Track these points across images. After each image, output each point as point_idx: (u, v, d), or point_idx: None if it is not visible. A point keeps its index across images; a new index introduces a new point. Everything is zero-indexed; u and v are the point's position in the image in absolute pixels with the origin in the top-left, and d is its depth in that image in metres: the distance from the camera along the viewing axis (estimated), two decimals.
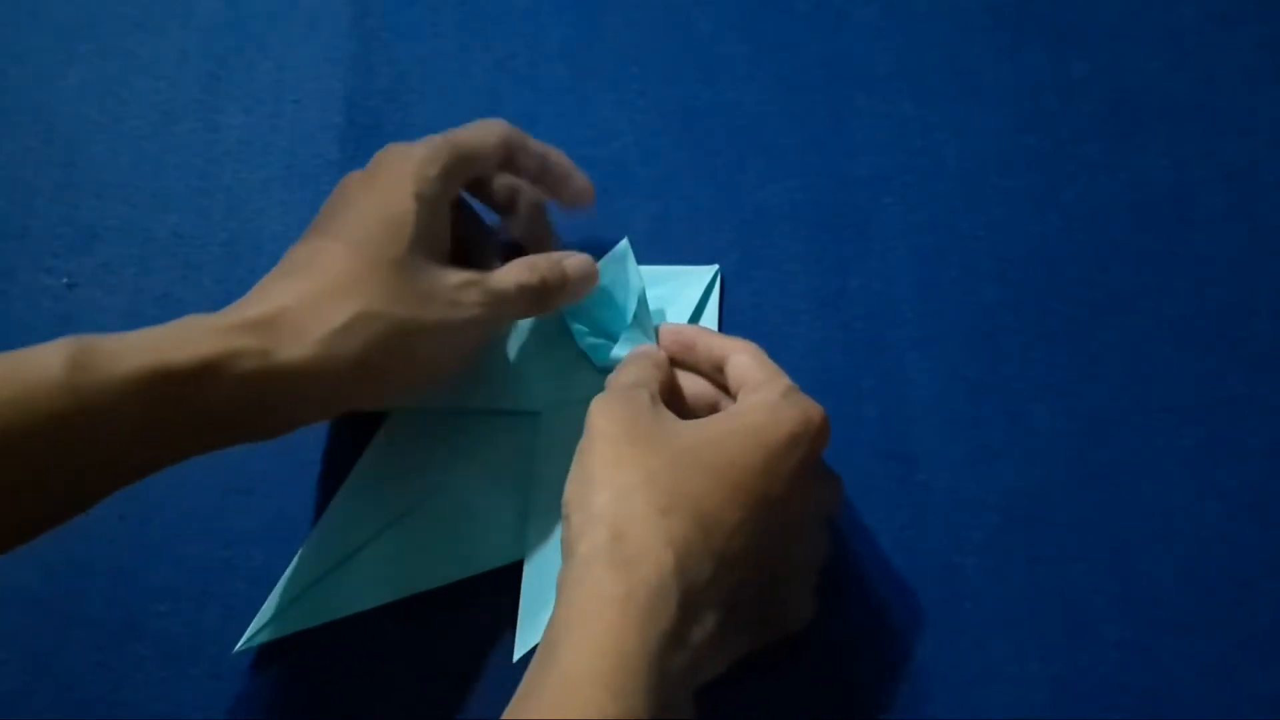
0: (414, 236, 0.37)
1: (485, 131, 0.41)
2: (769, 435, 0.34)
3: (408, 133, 0.49)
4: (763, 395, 0.36)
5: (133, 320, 0.45)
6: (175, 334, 0.33)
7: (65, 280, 0.46)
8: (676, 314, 0.45)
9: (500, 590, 0.40)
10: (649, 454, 0.34)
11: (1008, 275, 0.46)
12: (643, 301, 0.42)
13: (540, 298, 0.40)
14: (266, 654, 0.40)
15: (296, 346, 0.34)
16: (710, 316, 0.45)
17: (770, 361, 0.38)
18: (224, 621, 0.40)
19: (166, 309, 0.46)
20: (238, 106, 0.50)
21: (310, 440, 0.43)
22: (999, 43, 0.50)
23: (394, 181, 0.38)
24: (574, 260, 0.41)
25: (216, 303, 0.45)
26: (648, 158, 0.49)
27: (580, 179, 0.43)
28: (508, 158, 0.42)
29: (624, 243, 0.43)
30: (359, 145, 0.49)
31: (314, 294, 0.35)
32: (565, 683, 0.30)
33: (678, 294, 0.45)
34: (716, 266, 0.46)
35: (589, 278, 0.42)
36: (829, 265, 0.46)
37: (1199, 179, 0.48)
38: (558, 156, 0.43)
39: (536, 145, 0.42)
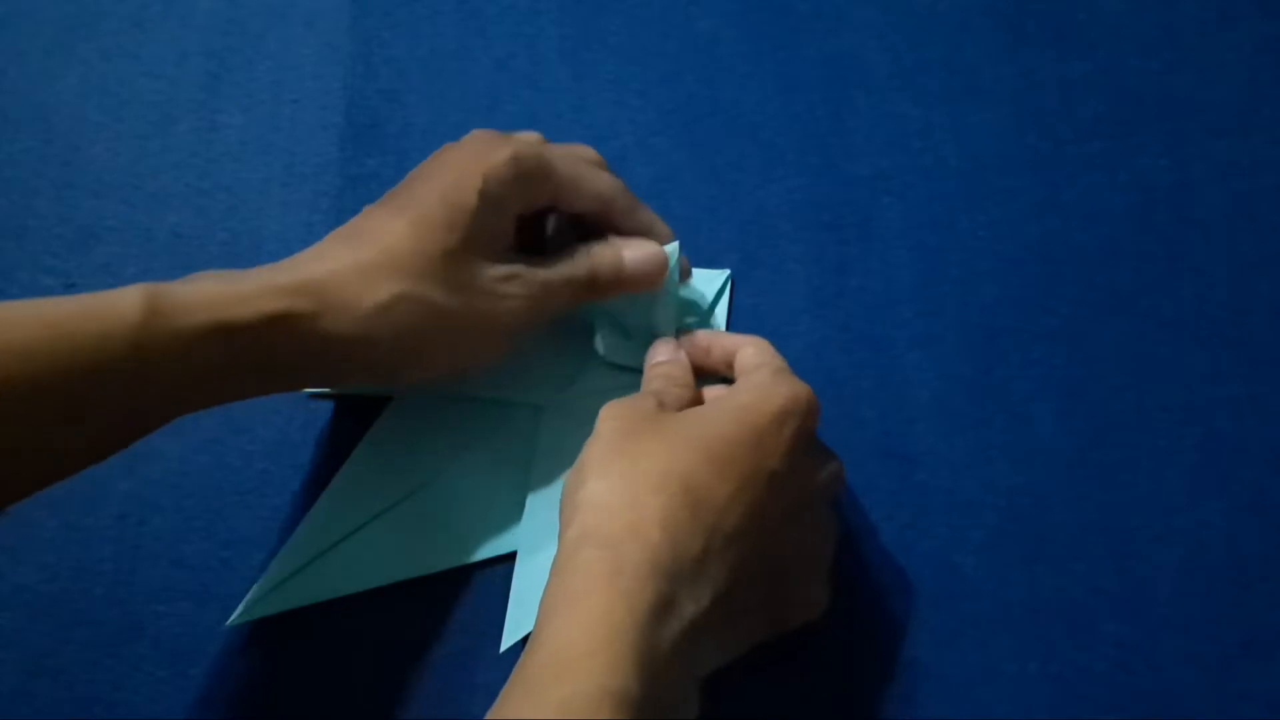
0: (471, 231, 0.37)
1: (591, 176, 0.40)
2: (757, 411, 0.35)
3: (408, 133, 0.49)
4: (754, 377, 0.37)
5: None
6: (240, 290, 0.34)
7: (65, 280, 0.46)
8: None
9: (493, 580, 0.40)
10: (642, 443, 0.35)
11: (1008, 275, 0.46)
12: (675, 306, 0.42)
13: (590, 289, 0.40)
14: (265, 650, 0.40)
15: (342, 317, 0.35)
16: (719, 320, 0.45)
17: (773, 351, 0.39)
18: (224, 621, 0.40)
19: None
20: (237, 106, 0.50)
21: (310, 440, 0.43)
22: (999, 43, 0.50)
23: (469, 169, 0.38)
24: (636, 251, 0.40)
25: None
26: (648, 158, 0.48)
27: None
28: (607, 215, 0.41)
29: (674, 245, 0.42)
30: (358, 145, 0.49)
31: (364, 264, 0.36)
32: (555, 661, 0.30)
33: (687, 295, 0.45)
34: (728, 271, 0.46)
35: (653, 271, 0.40)
36: (829, 265, 0.46)
37: (1199, 179, 0.48)
38: (662, 228, 0.42)
39: (645, 214, 0.42)
